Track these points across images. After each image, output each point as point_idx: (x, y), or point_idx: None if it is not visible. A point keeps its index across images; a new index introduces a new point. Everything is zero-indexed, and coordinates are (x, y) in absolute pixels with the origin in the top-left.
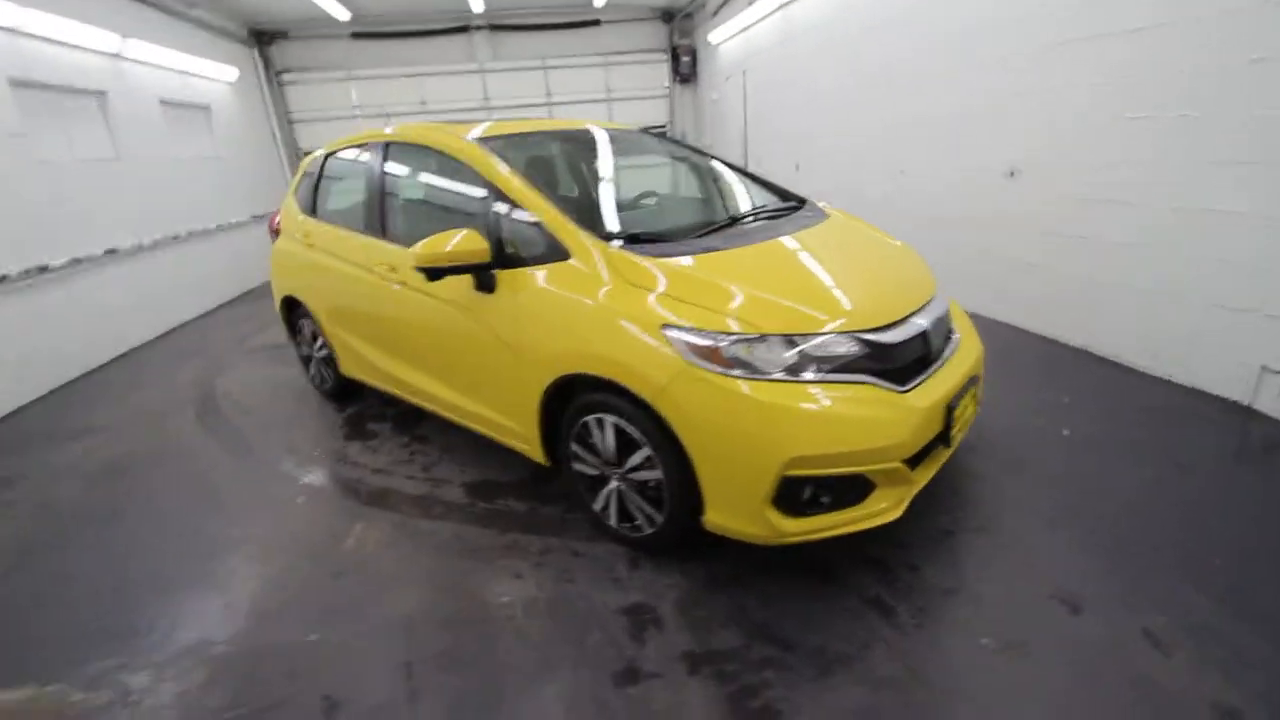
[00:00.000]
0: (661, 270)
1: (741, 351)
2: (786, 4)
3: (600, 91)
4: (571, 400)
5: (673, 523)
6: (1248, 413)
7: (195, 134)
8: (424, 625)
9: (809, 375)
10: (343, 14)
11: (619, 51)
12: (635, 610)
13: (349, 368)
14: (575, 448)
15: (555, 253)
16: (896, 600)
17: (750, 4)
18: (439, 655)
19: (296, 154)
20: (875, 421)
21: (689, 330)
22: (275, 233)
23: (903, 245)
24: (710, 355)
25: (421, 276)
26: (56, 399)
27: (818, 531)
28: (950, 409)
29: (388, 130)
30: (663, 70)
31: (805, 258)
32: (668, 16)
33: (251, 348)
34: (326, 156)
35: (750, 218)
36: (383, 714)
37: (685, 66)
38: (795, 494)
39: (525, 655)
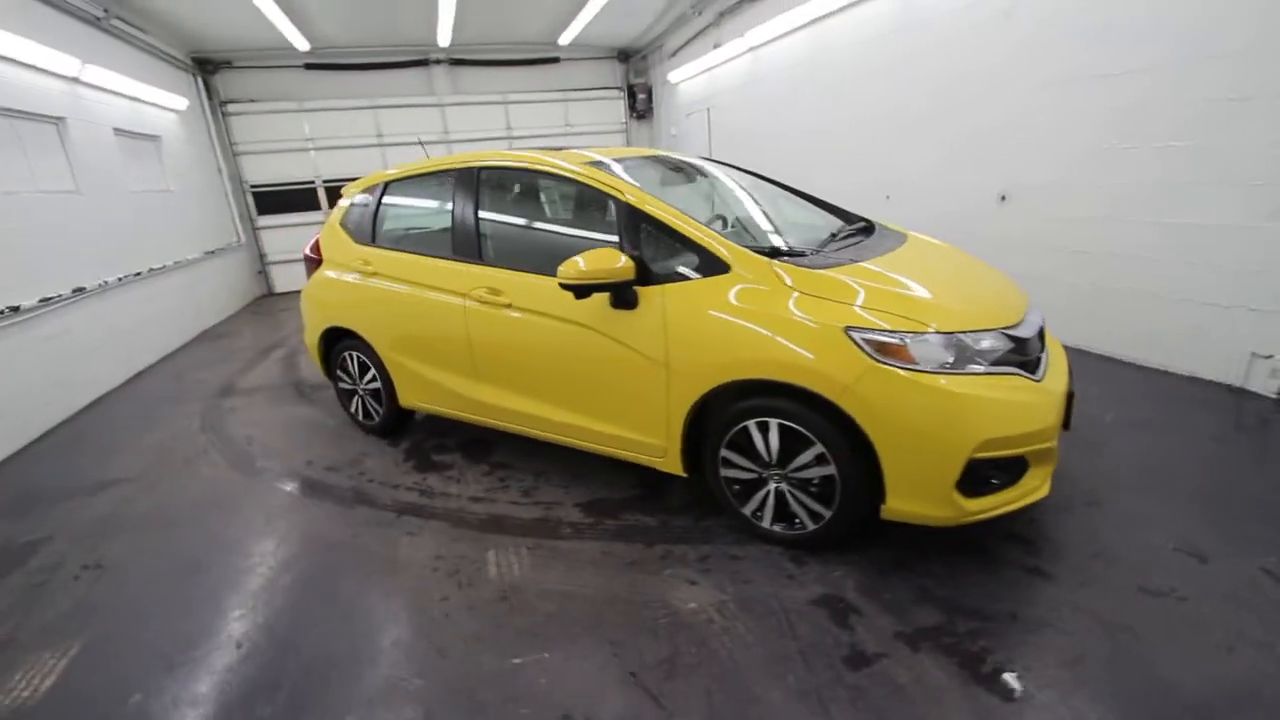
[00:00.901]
0: (830, 278)
1: (922, 348)
2: (756, 47)
3: (559, 125)
4: (716, 411)
5: (844, 515)
6: (1242, 393)
7: (147, 165)
8: (626, 638)
9: (978, 368)
10: (303, 44)
11: (578, 88)
12: (826, 601)
13: (411, 398)
14: (726, 454)
15: (712, 267)
16: (1053, 567)
17: (716, 47)
18: (661, 663)
19: (242, 187)
20: (1034, 406)
21: (875, 331)
22: (314, 262)
23: (978, 259)
24: (896, 353)
25: (544, 297)
26: (47, 449)
27: (990, 510)
28: (1071, 395)
29: (461, 156)
30: (619, 106)
31: (928, 268)
32: (624, 56)
33: (246, 388)
34: (386, 184)
35: (844, 236)
36: None
37: (641, 103)
38: (976, 476)
39: (749, 653)
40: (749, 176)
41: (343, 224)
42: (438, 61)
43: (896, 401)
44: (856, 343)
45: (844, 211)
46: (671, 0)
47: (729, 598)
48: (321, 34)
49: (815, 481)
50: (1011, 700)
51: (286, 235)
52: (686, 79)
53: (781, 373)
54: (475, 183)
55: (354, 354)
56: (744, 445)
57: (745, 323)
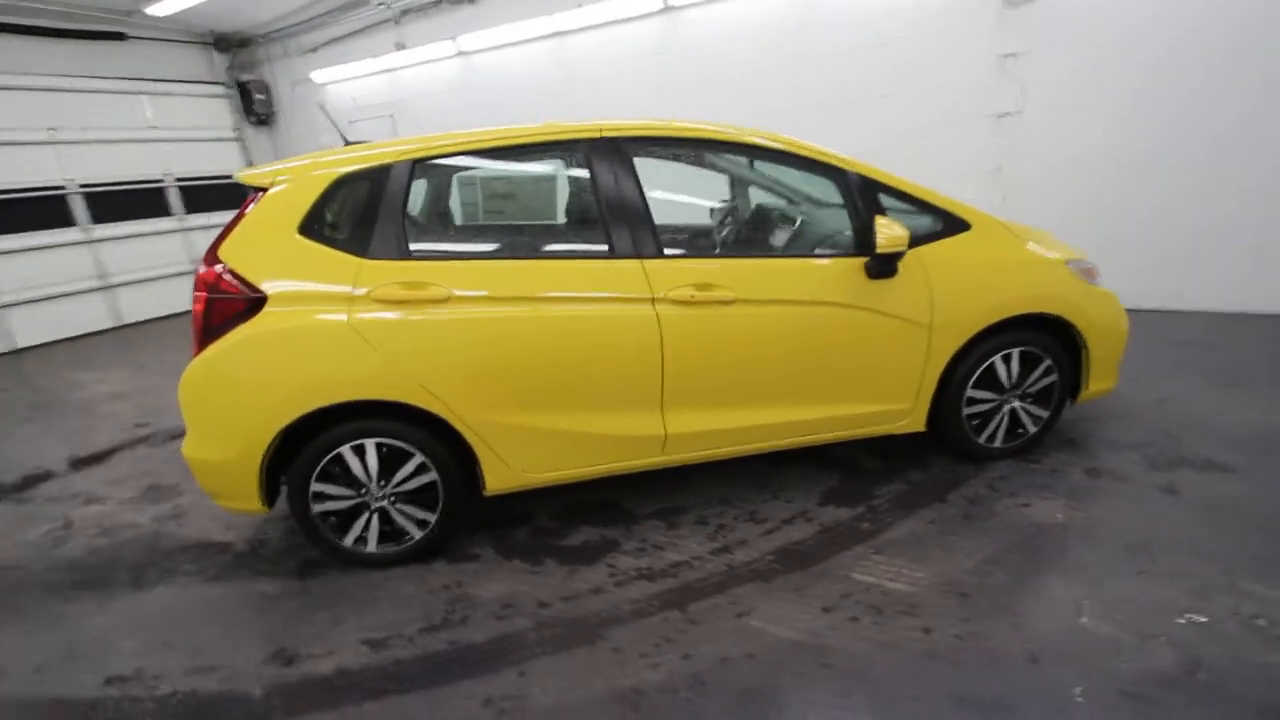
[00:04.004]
0: (1030, 229)
1: (1090, 271)
2: (471, 53)
3: (138, 127)
4: (959, 358)
5: (1057, 414)
6: None
7: None
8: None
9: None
10: None
11: (160, 79)
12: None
13: (518, 472)
14: (971, 393)
15: (956, 227)
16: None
17: (400, 48)
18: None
19: None
20: None
21: (1077, 262)
22: (232, 306)
23: None
24: (1090, 274)
25: (789, 283)
26: None
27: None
28: None
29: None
30: (223, 107)
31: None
32: (223, 44)
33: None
34: (414, 164)
35: None
36: None
37: (261, 105)
38: None
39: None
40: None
41: (309, 230)
42: None
43: (1098, 308)
44: (1074, 271)
45: None
46: None
47: (1082, 515)
48: None
49: (1043, 390)
50: None
51: None
52: (344, 80)
53: (1041, 304)
54: (626, 158)
55: (368, 445)
56: (987, 381)
57: (1005, 269)
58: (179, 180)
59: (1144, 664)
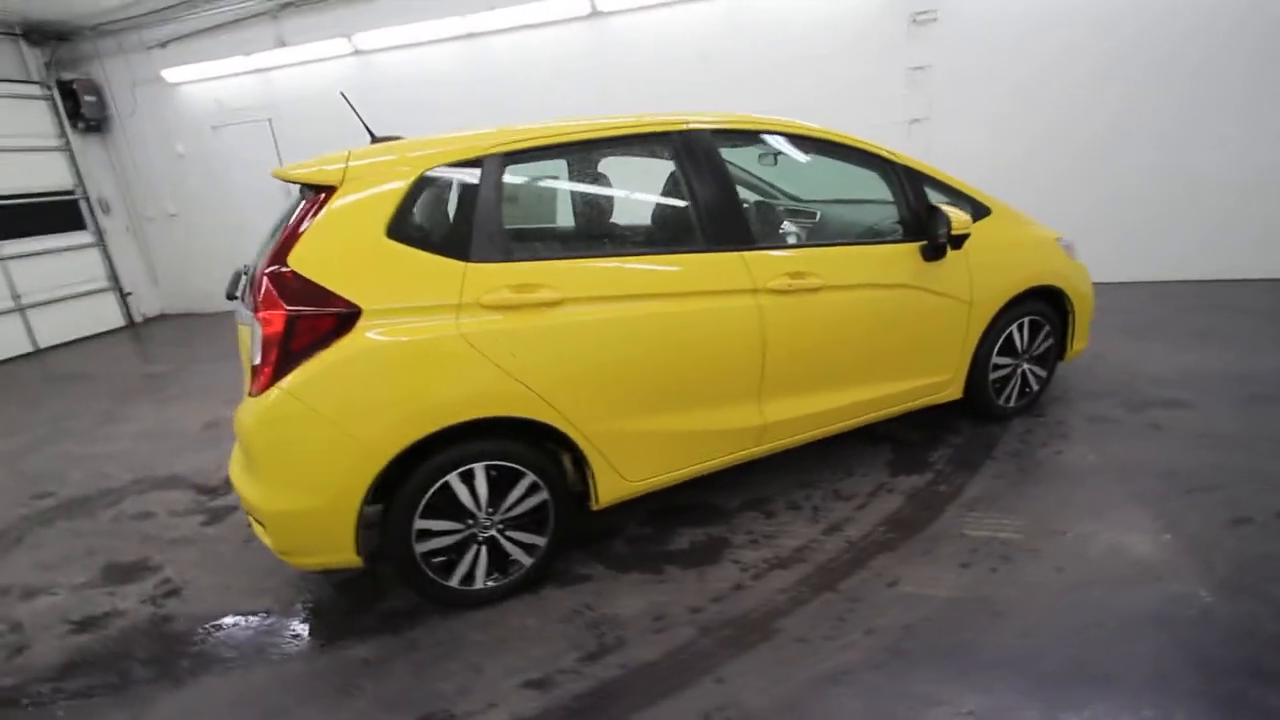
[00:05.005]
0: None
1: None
2: (368, 52)
3: None
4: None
5: (1052, 373)
6: None
7: None
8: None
9: None
10: None
11: None
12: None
13: (630, 479)
14: (996, 360)
15: (981, 212)
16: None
17: (282, 46)
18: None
19: None
20: None
21: (1063, 239)
22: (317, 323)
23: None
24: (1071, 249)
25: (867, 268)
26: None
27: None
28: None
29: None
30: (40, 112)
31: None
32: (35, 37)
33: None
34: (505, 157)
35: None
36: None
37: (91, 109)
38: None
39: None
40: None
41: (399, 232)
42: None
43: (1079, 279)
44: (1063, 246)
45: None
46: None
47: (1089, 445)
48: None
49: (1048, 350)
50: None
51: None
52: (206, 80)
53: (1046, 278)
54: (714, 150)
55: (478, 469)
56: (1005, 349)
57: (1022, 248)
58: None
59: (1238, 557)
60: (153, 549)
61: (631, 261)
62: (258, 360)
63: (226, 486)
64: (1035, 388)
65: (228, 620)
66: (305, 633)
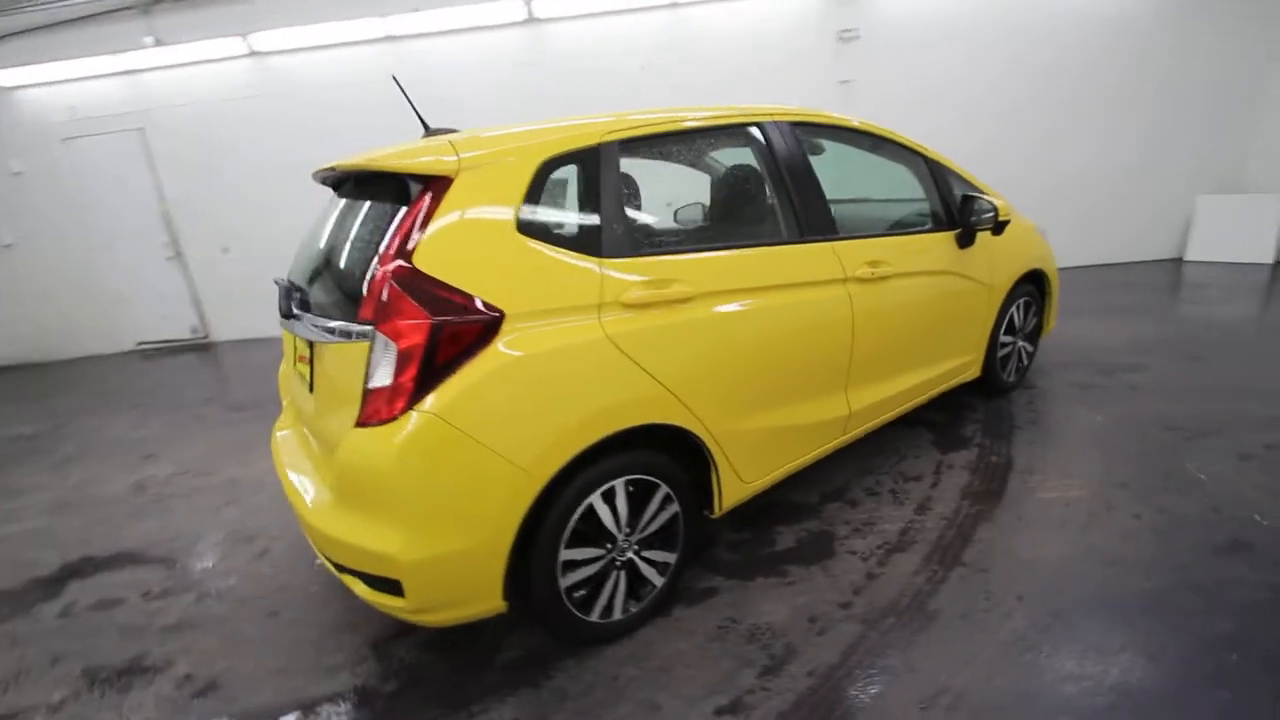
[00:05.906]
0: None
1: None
2: (266, 54)
3: None
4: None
5: (1036, 346)
6: None
7: None
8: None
9: None
10: None
11: None
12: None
13: (749, 482)
14: (1005, 339)
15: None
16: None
17: (157, 44)
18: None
19: None
20: None
21: (1037, 227)
22: (460, 332)
23: None
24: (1044, 235)
25: (923, 255)
26: None
27: None
28: None
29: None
30: None
31: None
32: None
33: None
34: (621, 144)
35: None
36: None
37: None
38: None
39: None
40: None
41: (528, 227)
42: None
43: (1052, 262)
44: (1039, 231)
45: None
46: None
47: (1089, 408)
48: None
49: (1031, 330)
50: None
51: None
52: (54, 83)
53: (1036, 262)
54: (800, 141)
55: (618, 486)
56: (1009, 327)
57: (1022, 237)
58: None
59: (1265, 486)
60: (145, 642)
61: (748, 254)
62: (385, 381)
63: (201, 557)
64: (1026, 362)
65: (295, 712)
66: (423, 707)
